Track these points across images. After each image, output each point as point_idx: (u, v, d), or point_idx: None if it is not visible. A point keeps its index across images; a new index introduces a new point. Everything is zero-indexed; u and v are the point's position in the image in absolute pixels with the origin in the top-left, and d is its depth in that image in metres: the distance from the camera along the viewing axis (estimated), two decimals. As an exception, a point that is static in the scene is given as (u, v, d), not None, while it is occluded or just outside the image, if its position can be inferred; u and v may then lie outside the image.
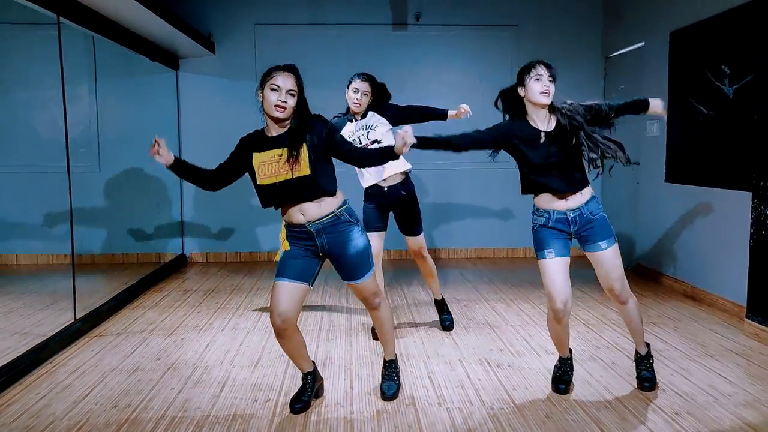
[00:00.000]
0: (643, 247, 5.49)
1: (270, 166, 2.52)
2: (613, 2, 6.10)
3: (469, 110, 3.66)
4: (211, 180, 2.68)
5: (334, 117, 3.60)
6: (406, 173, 3.61)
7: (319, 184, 2.53)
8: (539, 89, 2.65)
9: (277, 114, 2.48)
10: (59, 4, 3.64)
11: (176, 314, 4.28)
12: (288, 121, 2.54)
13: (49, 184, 5.47)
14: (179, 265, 6.03)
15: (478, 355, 3.41)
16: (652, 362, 2.97)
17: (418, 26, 6.27)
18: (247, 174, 2.64)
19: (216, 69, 6.18)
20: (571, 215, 2.72)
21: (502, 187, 6.10)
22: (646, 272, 5.37)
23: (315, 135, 2.52)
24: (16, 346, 3.37)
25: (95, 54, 5.48)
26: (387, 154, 2.57)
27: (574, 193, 2.71)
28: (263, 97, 2.52)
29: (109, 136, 5.83)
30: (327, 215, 2.56)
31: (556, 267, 2.68)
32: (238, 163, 2.62)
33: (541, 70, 2.68)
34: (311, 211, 2.55)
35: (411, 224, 3.68)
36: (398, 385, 2.87)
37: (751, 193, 3.75)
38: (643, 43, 5.47)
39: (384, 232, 3.70)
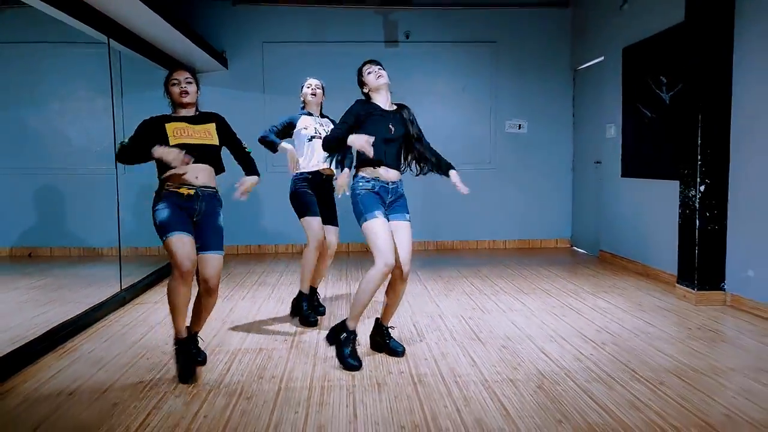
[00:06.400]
0: (605, 236, 6.26)
1: (185, 131, 2.88)
2: (578, 21, 6.93)
3: (342, 192, 3.82)
4: (130, 156, 2.88)
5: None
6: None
7: (220, 157, 2.96)
8: (374, 77, 3.14)
9: (183, 99, 2.87)
10: (110, 27, 4.39)
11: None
12: (194, 108, 2.97)
13: (74, 184, 6.16)
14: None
15: (468, 333, 3.95)
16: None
17: (407, 43, 7.06)
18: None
19: (228, 82, 6.95)
20: (391, 186, 3.14)
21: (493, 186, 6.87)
22: (607, 257, 6.13)
23: (218, 120, 3.03)
24: (74, 311, 4.09)
25: (121, 69, 6.24)
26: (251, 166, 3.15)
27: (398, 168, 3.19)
28: (170, 94, 2.93)
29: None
30: (212, 187, 2.94)
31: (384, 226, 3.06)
32: (148, 137, 2.82)
33: (371, 67, 3.17)
34: (204, 178, 2.89)
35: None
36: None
37: (678, 181, 4.52)
38: (602, 57, 6.28)
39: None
